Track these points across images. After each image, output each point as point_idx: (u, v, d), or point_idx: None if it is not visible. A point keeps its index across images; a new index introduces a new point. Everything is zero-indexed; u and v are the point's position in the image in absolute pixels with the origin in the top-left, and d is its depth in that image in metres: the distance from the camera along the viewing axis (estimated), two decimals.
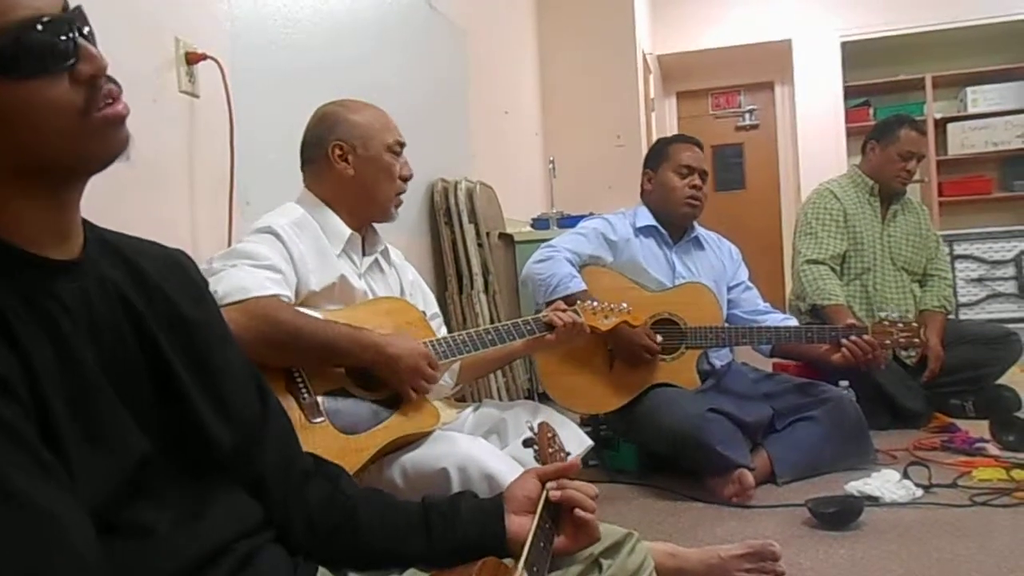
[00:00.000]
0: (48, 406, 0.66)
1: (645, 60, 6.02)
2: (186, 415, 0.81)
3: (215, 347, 0.87)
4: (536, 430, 1.17)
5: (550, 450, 1.12)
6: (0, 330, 0.65)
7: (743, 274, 2.84)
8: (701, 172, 2.70)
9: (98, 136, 0.71)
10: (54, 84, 0.68)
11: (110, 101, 0.72)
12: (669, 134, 7.37)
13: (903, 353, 3.13)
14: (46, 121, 0.68)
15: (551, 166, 4.76)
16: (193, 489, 0.80)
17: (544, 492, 0.98)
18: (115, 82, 0.73)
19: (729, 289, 2.79)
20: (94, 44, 0.72)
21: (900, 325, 2.50)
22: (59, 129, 0.69)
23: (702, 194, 2.71)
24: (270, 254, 1.55)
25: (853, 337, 2.46)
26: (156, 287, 0.83)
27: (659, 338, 2.47)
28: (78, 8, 0.72)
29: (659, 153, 2.78)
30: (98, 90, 0.70)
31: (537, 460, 1.12)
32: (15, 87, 0.67)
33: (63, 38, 0.68)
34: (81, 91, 0.70)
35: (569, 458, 1.11)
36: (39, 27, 0.67)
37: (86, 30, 0.72)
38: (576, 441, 1.79)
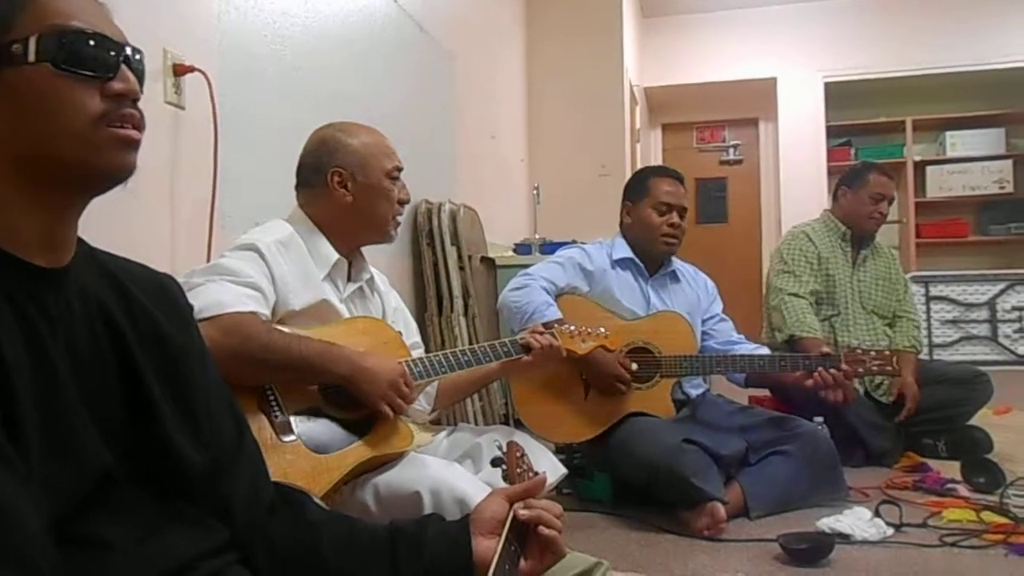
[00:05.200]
0: (15, 404, 0.66)
1: (632, 91, 6.09)
2: (156, 435, 0.80)
3: (195, 372, 0.86)
4: (504, 449, 1.16)
5: (518, 470, 1.11)
6: None
7: (717, 307, 2.85)
8: (680, 209, 2.70)
9: (104, 149, 0.74)
10: (85, 89, 0.73)
11: (128, 126, 0.76)
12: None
13: (878, 392, 3.16)
14: (64, 117, 0.72)
15: (535, 192, 4.78)
16: (156, 508, 0.79)
17: (510, 514, 0.97)
18: (141, 113, 0.77)
19: (703, 321, 2.79)
20: (139, 76, 0.79)
21: (873, 353, 2.55)
22: (71, 130, 0.72)
23: (680, 231, 2.71)
24: (251, 271, 1.54)
25: (832, 370, 2.49)
26: (141, 307, 0.83)
27: (634, 366, 2.47)
28: (133, 46, 0.79)
29: (639, 187, 2.77)
30: (120, 108, 0.75)
31: (505, 480, 1.10)
32: (52, 77, 0.72)
33: (109, 56, 0.75)
34: (104, 104, 0.74)
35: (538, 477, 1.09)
36: (91, 42, 0.74)
37: (135, 59, 0.78)
38: (551, 468, 1.78)
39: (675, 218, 2.68)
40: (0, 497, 0.60)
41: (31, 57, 0.71)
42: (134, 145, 0.76)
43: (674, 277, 2.81)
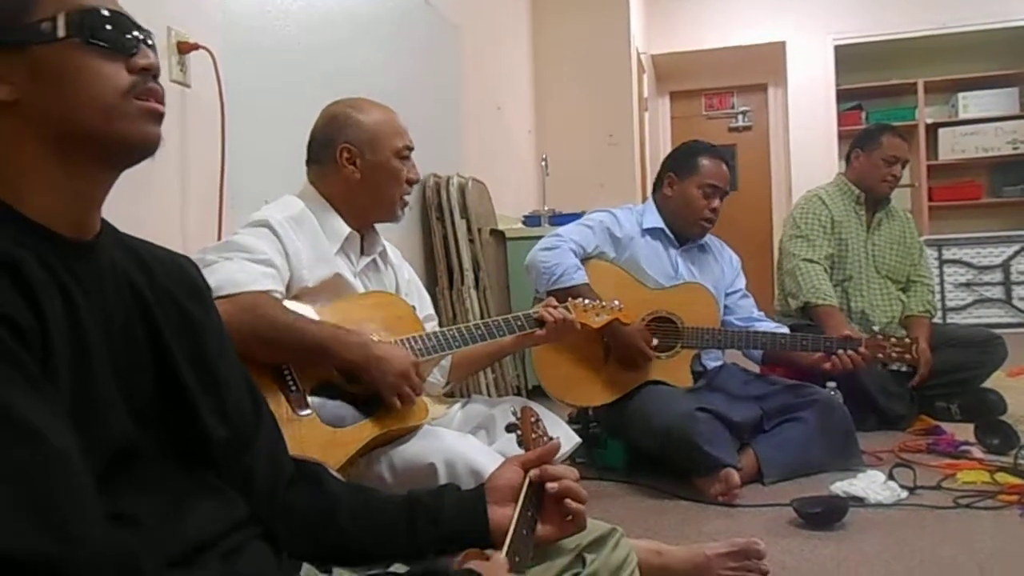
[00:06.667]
0: (55, 370, 0.68)
1: (639, 59, 6.03)
2: (184, 408, 0.82)
3: (215, 349, 0.88)
4: (519, 415, 1.16)
5: (533, 435, 1.12)
6: (22, 289, 0.66)
7: (740, 282, 2.85)
8: (723, 193, 2.68)
9: (133, 121, 0.77)
10: (111, 63, 0.76)
11: (152, 100, 0.79)
12: (663, 135, 7.40)
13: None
14: (94, 89, 0.75)
15: (543, 163, 4.76)
16: (181, 482, 0.80)
17: (526, 480, 0.98)
18: (163, 89, 0.81)
19: (726, 296, 2.79)
20: (155, 54, 0.82)
21: (894, 340, 2.57)
22: (102, 101, 0.75)
23: (717, 215, 2.69)
24: (265, 248, 1.54)
25: (850, 352, 2.51)
26: (163, 286, 0.85)
27: (655, 341, 2.47)
28: (146, 28, 0.82)
29: (688, 163, 2.71)
30: (145, 83, 0.78)
31: (520, 445, 1.11)
32: (81, 52, 0.75)
33: (128, 36, 0.78)
34: (130, 78, 0.77)
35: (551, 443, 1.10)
36: (113, 22, 0.77)
37: (150, 42, 0.81)
38: (564, 438, 1.79)
39: (717, 202, 2.67)
40: (63, 444, 0.63)
41: (60, 32, 0.74)
42: (159, 117, 0.79)
43: (702, 248, 2.80)
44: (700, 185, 2.66)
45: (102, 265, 0.78)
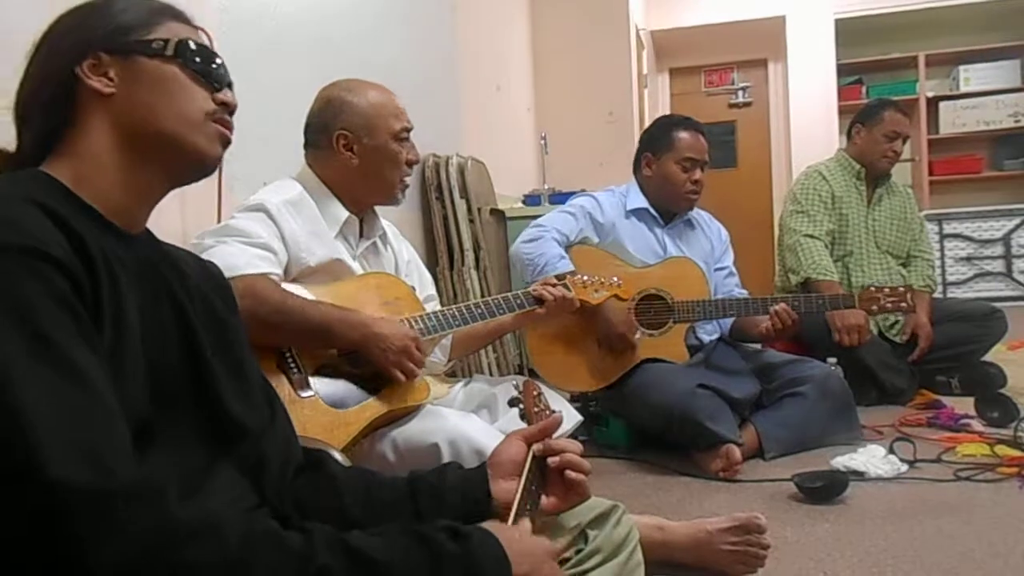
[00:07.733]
0: (100, 334, 0.72)
1: (638, 35, 5.98)
2: (210, 395, 0.85)
3: (240, 346, 0.94)
4: (521, 388, 1.17)
5: (536, 409, 1.12)
6: (82, 256, 0.72)
7: (728, 259, 2.84)
8: (703, 164, 2.67)
9: (207, 137, 0.89)
10: (201, 89, 0.89)
11: (226, 128, 0.92)
12: (663, 112, 7.35)
13: (891, 331, 3.17)
14: (182, 102, 0.87)
15: (543, 142, 4.74)
16: (197, 468, 0.82)
17: (529, 454, 0.99)
18: (233, 124, 0.94)
19: (713, 271, 2.78)
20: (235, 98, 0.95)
21: (887, 290, 2.53)
22: (186, 114, 0.87)
23: (701, 186, 2.67)
24: (262, 232, 1.54)
25: (847, 309, 2.53)
26: (195, 284, 0.92)
27: (638, 335, 2.48)
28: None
29: (663, 140, 2.69)
30: (223, 113, 0.91)
31: (523, 418, 1.12)
32: (181, 72, 0.88)
33: (218, 71, 0.92)
34: (213, 106, 0.90)
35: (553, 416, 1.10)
36: (212, 59, 0.91)
37: (234, 88, 0.95)
38: (566, 416, 1.80)
39: (698, 174, 2.65)
40: (105, 389, 0.68)
41: (169, 51, 0.87)
42: (227, 145, 0.92)
43: (689, 224, 2.79)
44: (678, 160, 2.64)
45: (141, 258, 0.84)
